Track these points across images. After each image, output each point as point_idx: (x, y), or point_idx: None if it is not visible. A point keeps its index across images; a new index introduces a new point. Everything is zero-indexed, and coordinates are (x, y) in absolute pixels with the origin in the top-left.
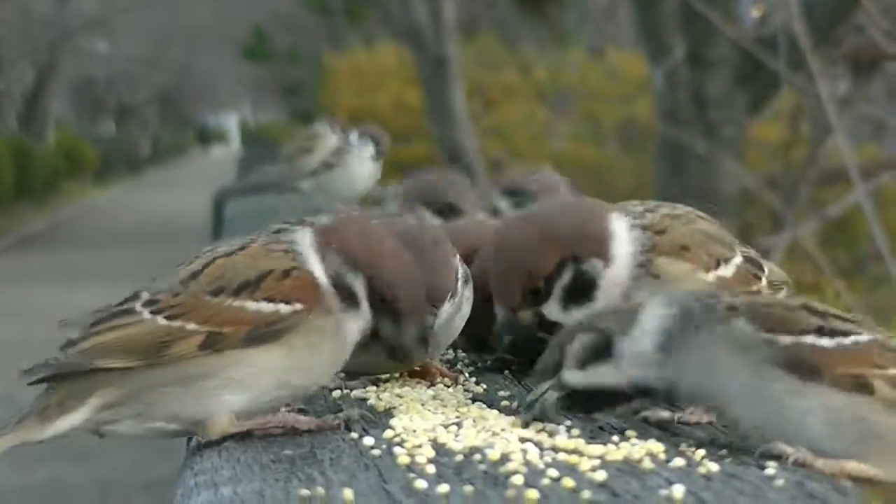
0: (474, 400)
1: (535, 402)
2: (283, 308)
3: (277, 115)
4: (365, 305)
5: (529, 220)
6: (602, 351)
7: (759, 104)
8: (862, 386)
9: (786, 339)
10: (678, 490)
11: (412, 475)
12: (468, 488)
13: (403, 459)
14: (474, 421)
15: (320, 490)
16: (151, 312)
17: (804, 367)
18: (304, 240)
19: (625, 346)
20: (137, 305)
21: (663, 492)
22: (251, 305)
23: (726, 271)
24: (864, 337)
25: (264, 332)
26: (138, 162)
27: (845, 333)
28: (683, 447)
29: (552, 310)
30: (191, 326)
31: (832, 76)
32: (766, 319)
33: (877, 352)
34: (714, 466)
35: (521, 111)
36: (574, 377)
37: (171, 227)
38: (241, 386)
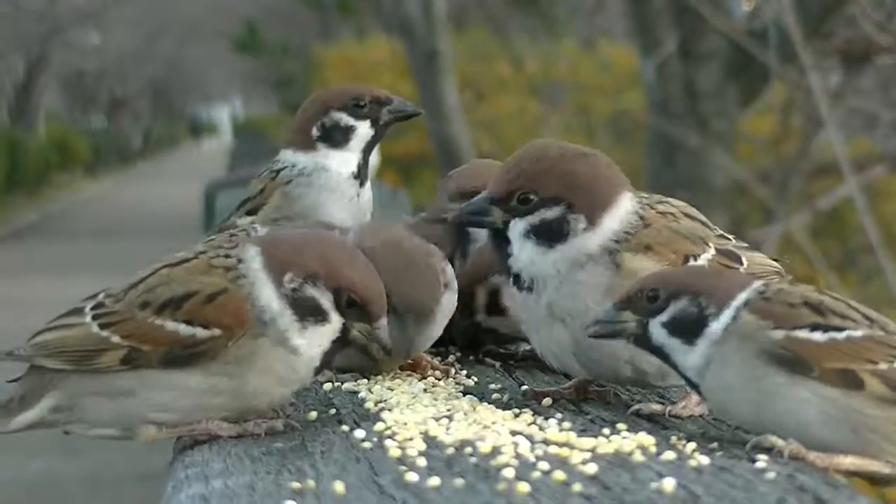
0: (465, 393)
1: (612, 323)
2: (201, 332)
3: (269, 107)
4: (334, 315)
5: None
6: (693, 326)
7: (750, 97)
8: (851, 381)
9: (778, 334)
10: (669, 483)
11: (403, 468)
12: (459, 481)
13: (394, 452)
14: (465, 414)
15: (311, 483)
16: (92, 318)
17: (794, 360)
18: (254, 261)
19: (713, 329)
20: (87, 307)
21: (654, 485)
22: (169, 325)
23: None
24: (858, 332)
25: (180, 355)
26: (130, 154)
27: (839, 329)
28: (674, 440)
29: (517, 229)
30: (115, 339)
31: (823, 69)
32: (764, 312)
33: (870, 347)
34: (705, 459)
35: (513, 104)
36: (658, 333)
37: (163, 219)
38: (162, 407)
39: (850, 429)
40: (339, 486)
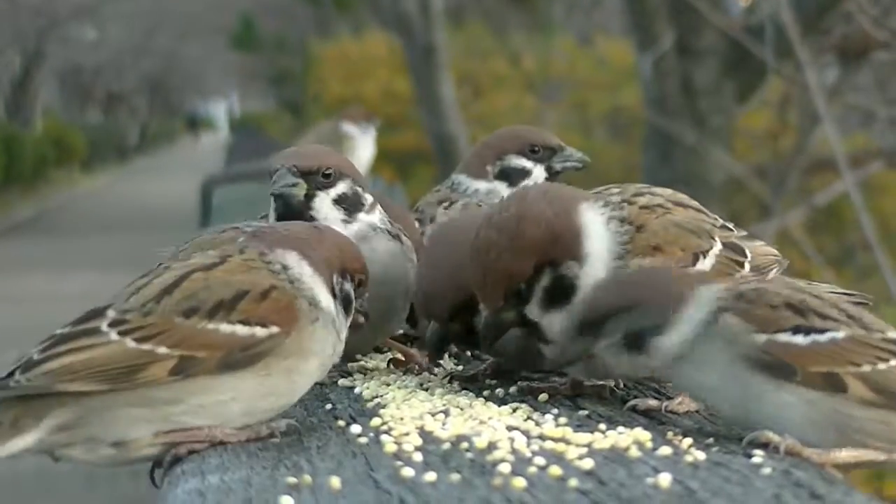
0: (461, 388)
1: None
2: (259, 331)
3: (266, 103)
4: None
5: (499, 225)
6: (644, 339)
7: (747, 93)
8: (834, 384)
9: (761, 338)
10: (665, 478)
11: (399, 463)
12: (455, 476)
13: (390, 447)
14: (461, 409)
15: (307, 478)
16: (119, 334)
17: (777, 365)
18: (301, 266)
19: (664, 341)
20: (103, 325)
21: (650, 480)
22: (225, 328)
23: (704, 265)
24: (840, 334)
25: (240, 358)
26: (126, 150)
27: (822, 331)
28: (670, 436)
29: (533, 311)
30: (162, 350)
31: (820, 65)
32: (747, 316)
33: (853, 349)
34: (701, 455)
35: (510, 100)
36: (612, 356)
37: (160, 214)
38: (208, 413)
39: (836, 430)
40: (335, 482)
